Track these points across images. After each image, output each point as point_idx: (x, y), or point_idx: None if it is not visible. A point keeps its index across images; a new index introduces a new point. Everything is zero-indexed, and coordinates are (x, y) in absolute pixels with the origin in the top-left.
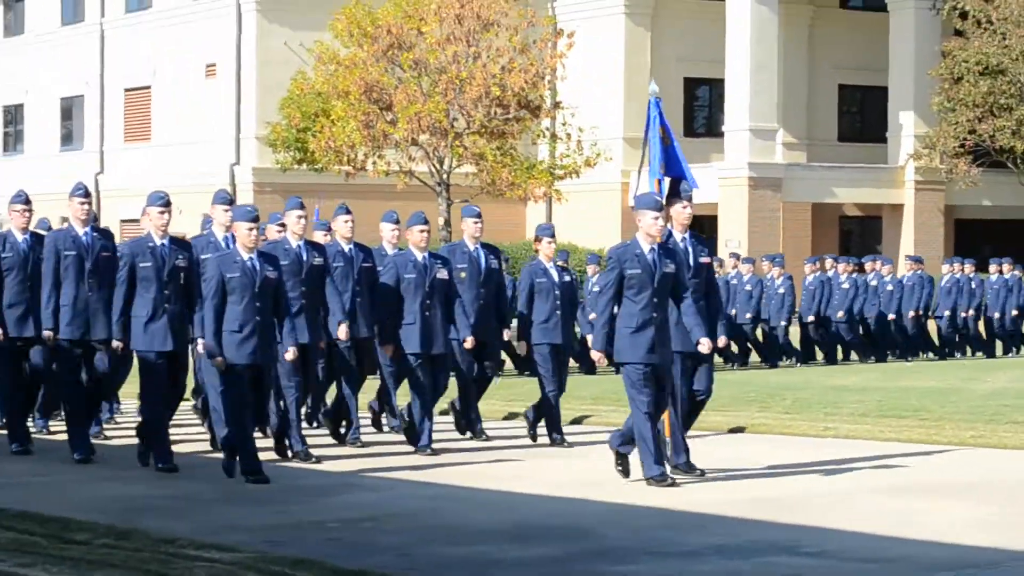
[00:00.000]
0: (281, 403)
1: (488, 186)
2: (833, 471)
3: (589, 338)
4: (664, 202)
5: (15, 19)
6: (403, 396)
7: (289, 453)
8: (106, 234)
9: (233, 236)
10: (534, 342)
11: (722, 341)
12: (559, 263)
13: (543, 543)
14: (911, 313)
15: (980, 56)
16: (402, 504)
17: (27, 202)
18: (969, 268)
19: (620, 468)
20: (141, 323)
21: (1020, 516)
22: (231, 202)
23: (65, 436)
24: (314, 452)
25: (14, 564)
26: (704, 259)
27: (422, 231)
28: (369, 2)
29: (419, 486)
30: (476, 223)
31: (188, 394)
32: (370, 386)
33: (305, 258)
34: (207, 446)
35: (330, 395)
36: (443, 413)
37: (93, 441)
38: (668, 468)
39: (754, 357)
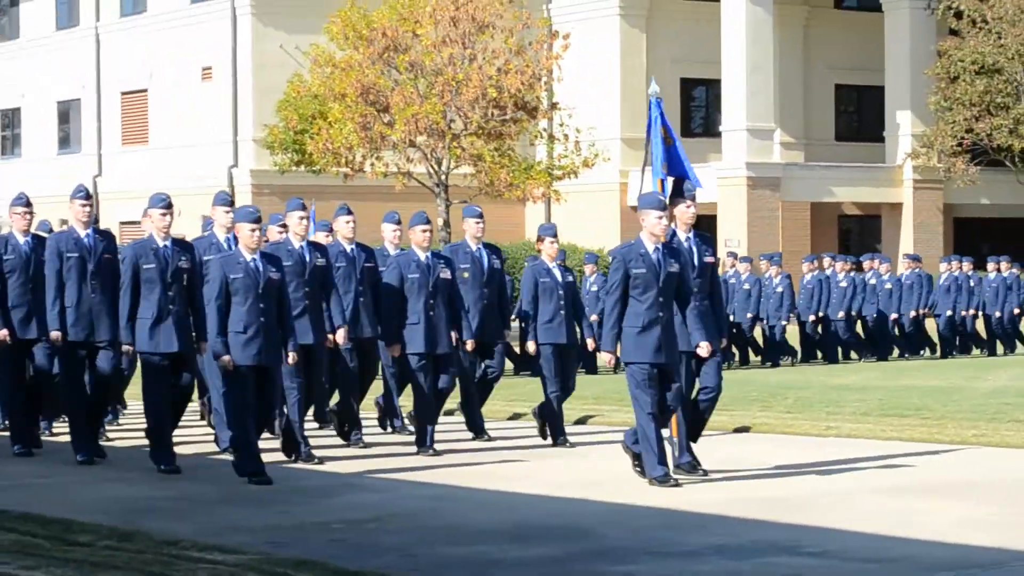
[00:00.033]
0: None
1: (486, 187)
2: (835, 470)
3: (590, 342)
4: (668, 202)
5: (10, 24)
6: (407, 397)
7: (292, 455)
8: (107, 236)
9: (235, 237)
10: (539, 342)
11: (722, 342)
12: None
13: (544, 543)
14: (912, 313)
15: (976, 55)
16: (404, 504)
17: (28, 204)
18: (967, 266)
19: (638, 468)
20: (146, 325)
21: (1022, 516)
22: (232, 203)
23: (67, 438)
24: (316, 453)
25: (17, 566)
26: (708, 259)
27: (424, 231)
28: (364, 5)
29: (421, 486)
30: (478, 223)
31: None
32: (376, 386)
33: (308, 259)
34: (208, 447)
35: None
36: (447, 413)
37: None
38: (671, 468)
39: (755, 356)
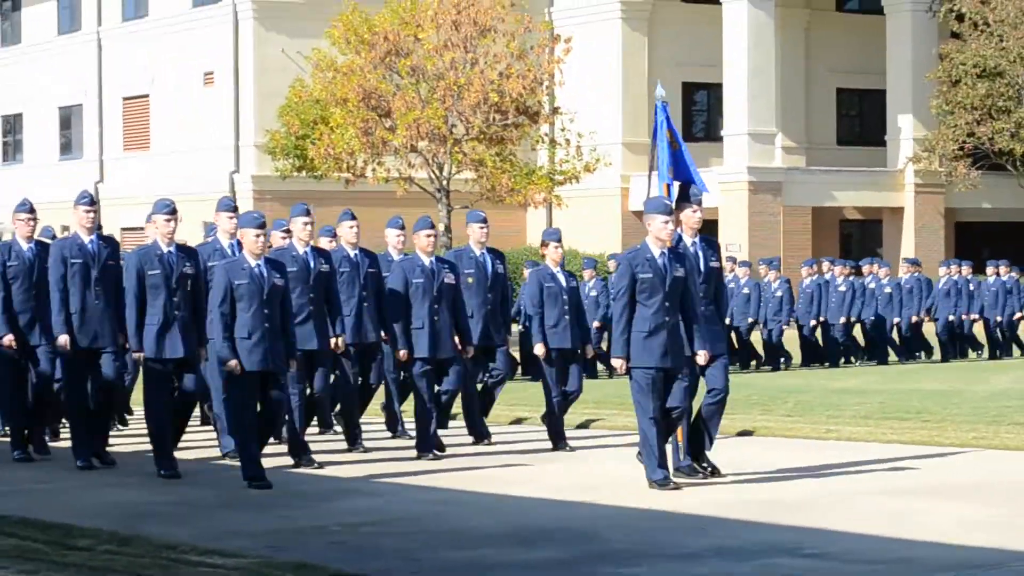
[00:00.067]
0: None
1: (488, 192)
2: (835, 473)
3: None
4: (674, 206)
5: (12, 29)
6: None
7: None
8: (111, 242)
9: (238, 243)
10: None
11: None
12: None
13: (546, 547)
14: (913, 318)
15: (978, 59)
16: (405, 509)
17: (32, 211)
18: (967, 270)
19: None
20: (151, 331)
21: (1022, 517)
22: (235, 209)
23: (66, 443)
24: (318, 458)
25: (16, 571)
26: (714, 263)
27: (429, 235)
28: (366, 9)
29: (422, 490)
30: (482, 228)
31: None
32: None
33: (312, 265)
34: (208, 452)
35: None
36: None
37: (108, 449)
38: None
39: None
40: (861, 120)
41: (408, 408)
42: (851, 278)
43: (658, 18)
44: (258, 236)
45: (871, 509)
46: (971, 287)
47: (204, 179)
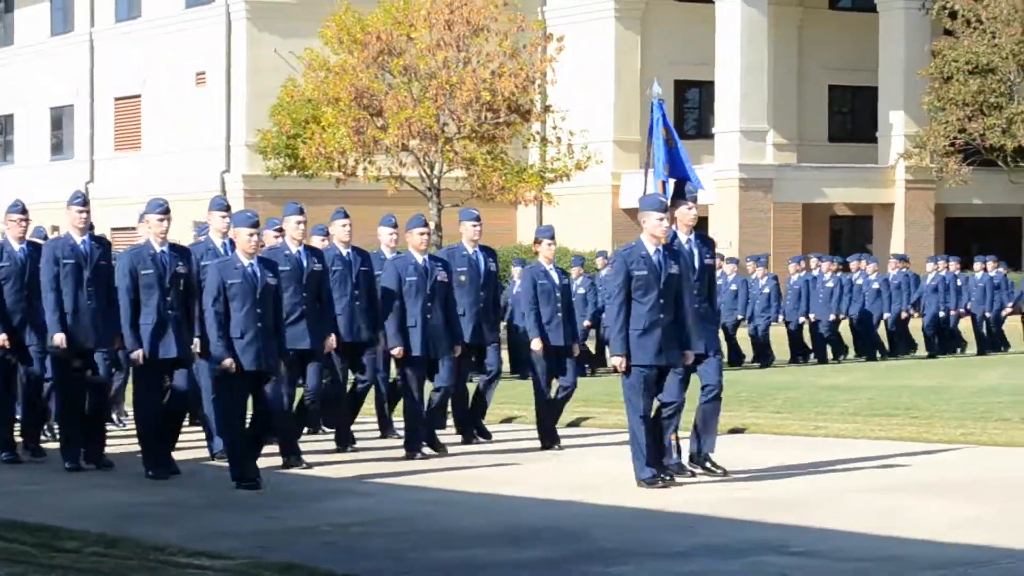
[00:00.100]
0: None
1: (479, 190)
2: (824, 470)
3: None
4: (669, 203)
5: (4, 30)
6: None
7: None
8: (103, 243)
9: (231, 242)
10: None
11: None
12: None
13: (536, 546)
14: (903, 314)
15: (970, 55)
16: (395, 509)
17: (24, 212)
18: (954, 266)
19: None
20: (146, 331)
21: (1012, 514)
22: (228, 208)
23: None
24: (306, 458)
25: (4, 573)
26: (708, 260)
27: (422, 234)
28: (359, 9)
29: (412, 490)
30: (475, 226)
31: None
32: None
33: (305, 264)
34: (196, 453)
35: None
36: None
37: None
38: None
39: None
40: (853, 117)
41: (399, 408)
42: (838, 274)
43: (651, 16)
44: (251, 235)
45: (860, 506)
46: (959, 283)
47: (195, 179)
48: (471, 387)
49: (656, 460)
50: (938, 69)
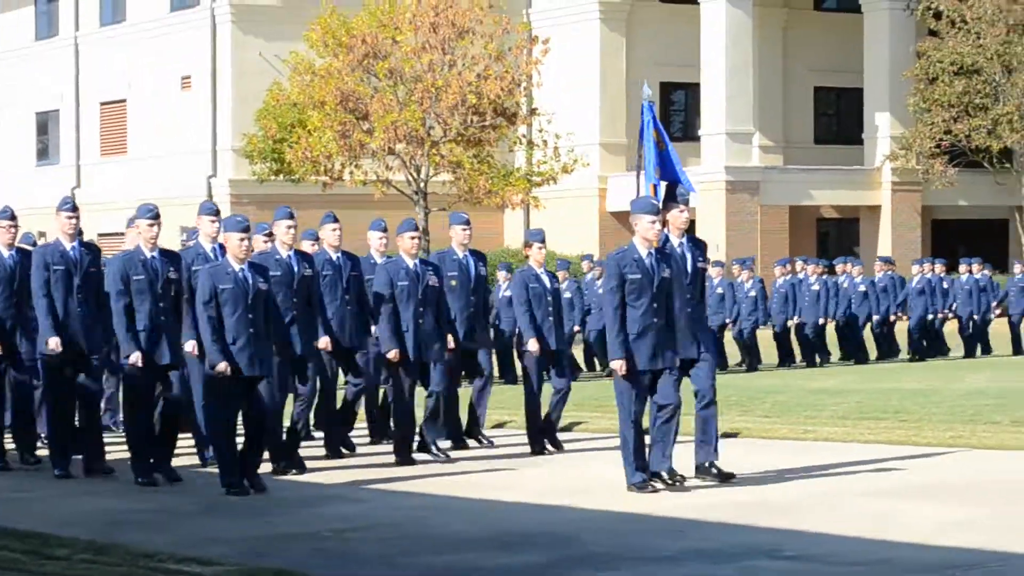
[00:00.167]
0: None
1: (465, 194)
2: (814, 474)
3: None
4: (660, 206)
5: None
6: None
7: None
8: (93, 249)
9: (221, 246)
10: (525, 348)
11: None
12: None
13: (527, 551)
14: (891, 317)
15: (955, 56)
16: (386, 514)
17: (13, 218)
18: (940, 268)
19: (673, 481)
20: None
21: (1003, 517)
22: (217, 213)
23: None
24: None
25: None
26: (701, 264)
27: (413, 238)
28: (344, 12)
29: (403, 496)
30: (465, 230)
31: None
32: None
33: (296, 269)
34: (190, 460)
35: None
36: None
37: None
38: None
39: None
40: (838, 119)
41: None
42: (824, 277)
43: (636, 18)
44: (242, 240)
45: (850, 510)
46: (944, 285)
47: (181, 183)
48: (463, 392)
49: (644, 465)
50: (923, 70)
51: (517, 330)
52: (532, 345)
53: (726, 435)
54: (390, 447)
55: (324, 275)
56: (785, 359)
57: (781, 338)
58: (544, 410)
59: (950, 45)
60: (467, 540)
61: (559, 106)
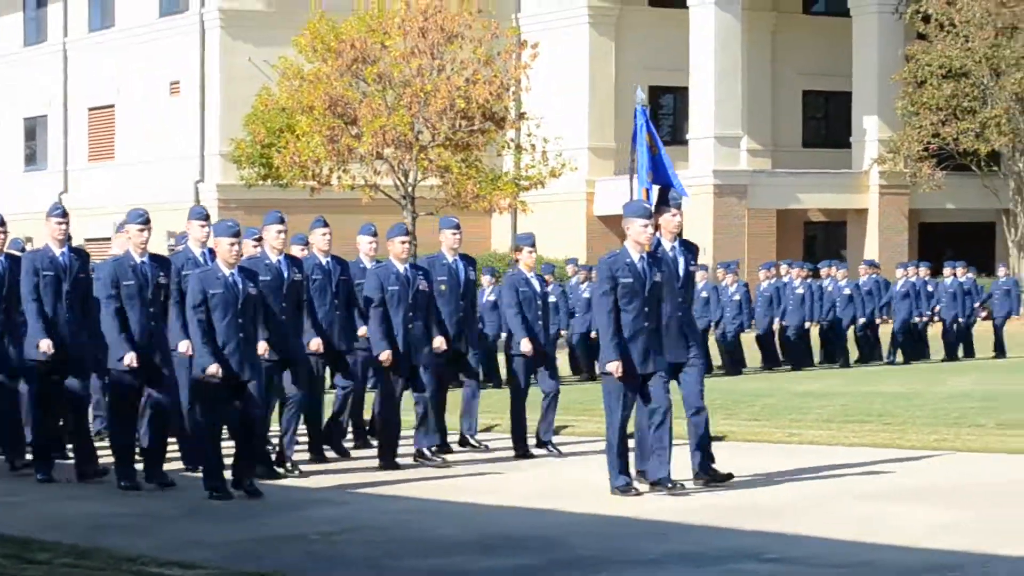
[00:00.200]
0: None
1: (453, 198)
2: (799, 477)
3: None
4: (653, 210)
5: None
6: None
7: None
8: (82, 254)
9: (210, 251)
10: (514, 352)
11: None
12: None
13: (513, 554)
14: (876, 320)
15: (943, 59)
16: (372, 518)
17: (2, 224)
18: (924, 271)
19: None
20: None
21: (989, 520)
22: (207, 217)
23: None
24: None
25: None
26: (692, 268)
27: (404, 242)
28: (333, 17)
29: (389, 500)
30: (455, 234)
31: None
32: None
33: (286, 274)
34: (174, 464)
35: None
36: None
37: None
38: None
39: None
40: (827, 122)
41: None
42: (808, 280)
43: (625, 23)
44: (232, 245)
45: (835, 513)
46: (928, 288)
47: (169, 189)
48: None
49: (627, 469)
50: (911, 73)
51: (503, 334)
52: (525, 345)
53: (713, 439)
54: (371, 452)
55: (313, 279)
56: (768, 362)
57: (764, 341)
58: (533, 416)
59: (938, 48)
60: (453, 544)
61: (548, 110)
